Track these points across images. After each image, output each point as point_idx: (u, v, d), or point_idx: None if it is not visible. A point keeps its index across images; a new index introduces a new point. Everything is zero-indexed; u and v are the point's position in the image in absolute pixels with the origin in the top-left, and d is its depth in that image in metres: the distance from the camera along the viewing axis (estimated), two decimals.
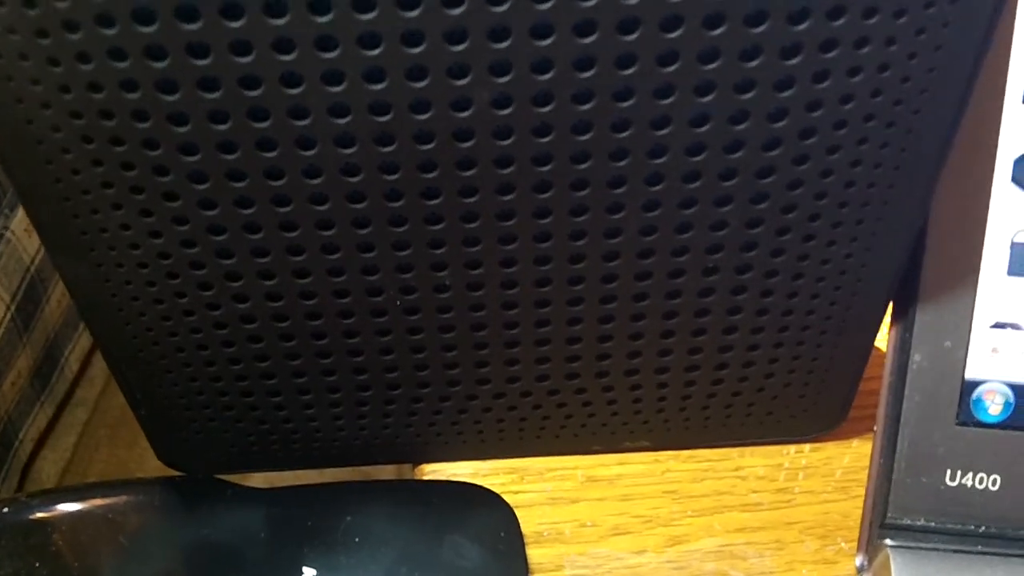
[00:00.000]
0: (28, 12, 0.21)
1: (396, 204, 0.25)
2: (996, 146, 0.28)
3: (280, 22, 0.21)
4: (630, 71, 0.22)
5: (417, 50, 0.22)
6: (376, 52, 0.22)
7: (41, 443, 0.96)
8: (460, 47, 0.22)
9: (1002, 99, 0.28)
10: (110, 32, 0.21)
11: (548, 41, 0.22)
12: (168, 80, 0.22)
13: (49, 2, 0.21)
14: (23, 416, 0.92)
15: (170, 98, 0.23)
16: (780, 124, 0.24)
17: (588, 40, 0.22)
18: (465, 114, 0.23)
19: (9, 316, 0.91)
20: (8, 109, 0.23)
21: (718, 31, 0.22)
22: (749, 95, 0.23)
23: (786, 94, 0.23)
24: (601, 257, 0.27)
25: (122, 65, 0.22)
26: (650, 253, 0.27)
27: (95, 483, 0.36)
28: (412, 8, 0.21)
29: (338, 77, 0.22)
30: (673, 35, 0.22)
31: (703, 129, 0.24)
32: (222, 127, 0.23)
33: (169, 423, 0.33)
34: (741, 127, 0.24)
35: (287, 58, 0.22)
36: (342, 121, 0.23)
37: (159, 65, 0.22)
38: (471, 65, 0.22)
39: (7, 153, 0.24)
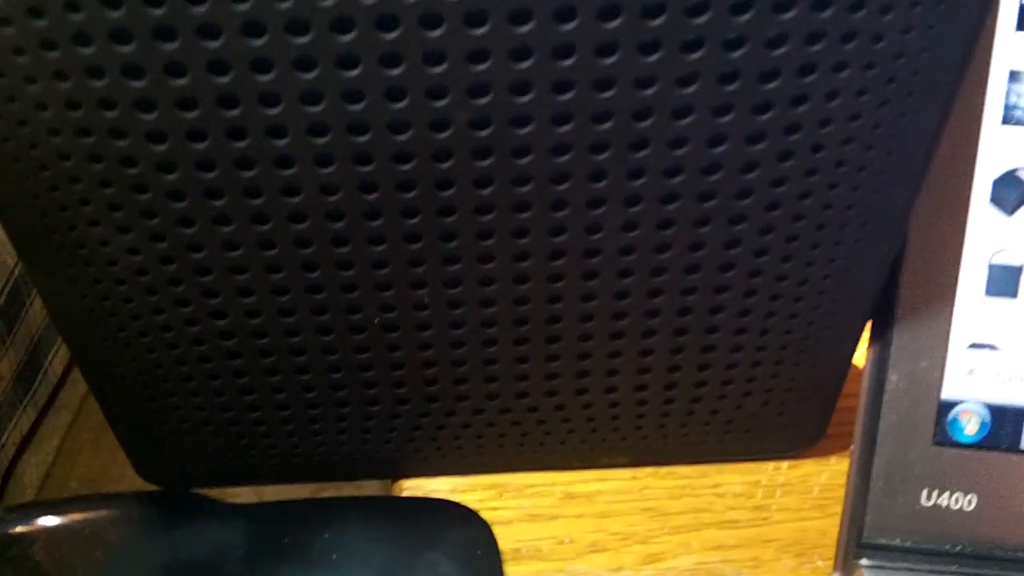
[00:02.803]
0: (5, 31, 0.21)
1: (375, 223, 0.25)
2: (974, 166, 0.29)
3: (259, 42, 0.21)
4: (611, 60, 0.22)
5: (396, 72, 0.22)
6: (355, 73, 0.22)
7: (24, 446, 0.96)
8: (439, 68, 0.22)
9: (980, 119, 0.28)
10: (88, 51, 0.21)
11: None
12: (146, 99, 0.22)
13: (26, 21, 0.21)
14: (5, 419, 0.92)
15: (148, 116, 0.23)
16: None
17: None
18: (444, 134, 0.23)
19: None
20: None
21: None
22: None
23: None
24: (580, 276, 0.27)
25: (100, 83, 0.22)
26: (628, 273, 0.27)
27: (74, 497, 0.36)
28: (391, 30, 0.21)
29: (317, 96, 0.22)
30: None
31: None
32: (200, 145, 0.23)
33: (147, 437, 0.33)
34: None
35: (265, 78, 0.22)
36: (321, 140, 0.23)
37: (137, 84, 0.22)
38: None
39: None
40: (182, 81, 0.22)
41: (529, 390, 0.31)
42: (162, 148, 0.23)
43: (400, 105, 0.23)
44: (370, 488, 0.36)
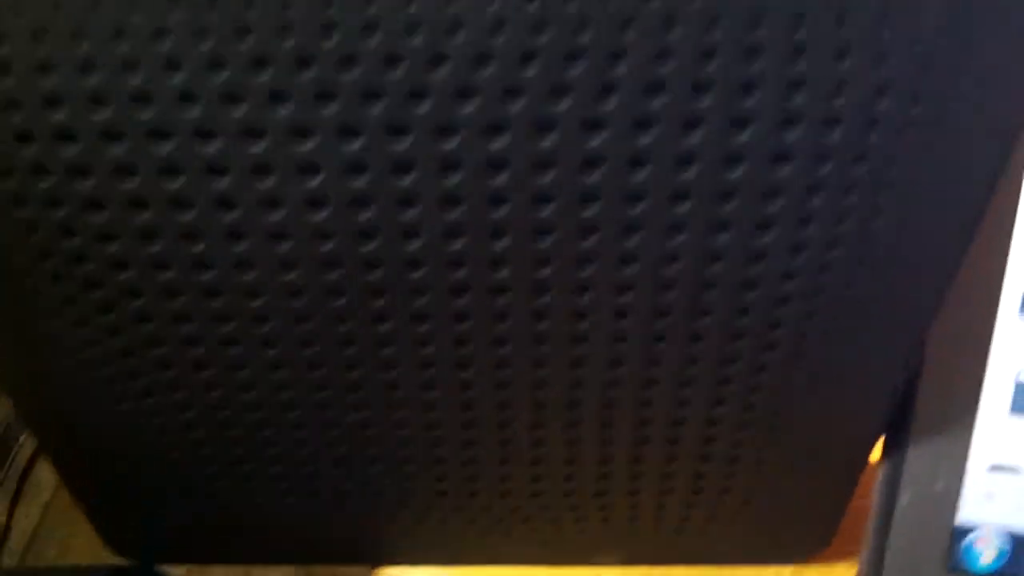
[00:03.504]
0: None
1: (343, 327, 0.24)
2: (1003, 275, 0.26)
3: (211, 149, 0.20)
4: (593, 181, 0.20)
5: (362, 181, 0.20)
6: (316, 181, 0.20)
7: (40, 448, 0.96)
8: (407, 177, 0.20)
9: (1012, 227, 0.26)
10: (31, 150, 0.20)
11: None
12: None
13: None
14: (22, 422, 0.91)
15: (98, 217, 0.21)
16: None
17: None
18: (415, 244, 0.22)
19: None
20: None
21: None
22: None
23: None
24: (567, 385, 0.25)
25: (45, 184, 0.20)
26: (617, 383, 0.25)
27: (40, 569, 0.34)
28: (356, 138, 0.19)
29: (278, 201, 0.21)
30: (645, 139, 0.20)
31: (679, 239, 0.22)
32: (154, 248, 0.22)
33: (114, 513, 0.31)
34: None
35: (222, 183, 0.20)
36: (284, 247, 0.22)
37: (86, 183, 0.20)
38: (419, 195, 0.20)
39: None
40: (131, 184, 0.20)
41: (513, 490, 0.29)
42: (113, 248, 0.22)
43: (367, 215, 0.21)
44: (352, 574, 0.34)
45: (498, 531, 0.31)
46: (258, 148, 0.20)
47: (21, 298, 0.23)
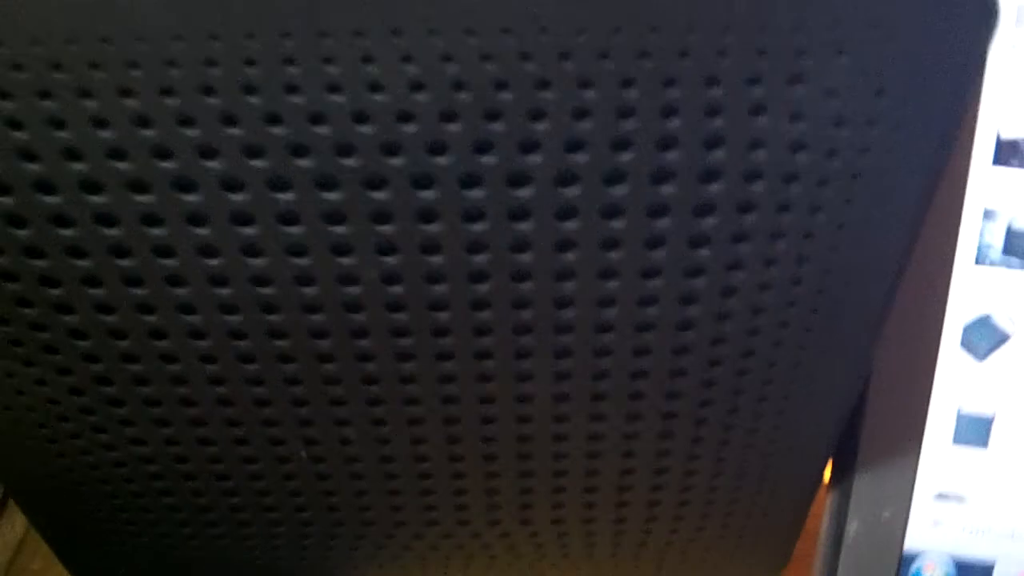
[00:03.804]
0: None
1: (289, 366, 0.24)
2: (945, 308, 0.27)
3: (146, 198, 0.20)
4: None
5: (295, 230, 0.21)
6: (252, 230, 0.21)
7: None
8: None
9: (952, 259, 0.26)
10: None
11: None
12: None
13: None
14: None
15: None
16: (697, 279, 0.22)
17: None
18: (354, 288, 0.22)
19: None
20: None
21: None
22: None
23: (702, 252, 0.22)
24: (514, 420, 0.26)
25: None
26: (565, 418, 0.26)
27: None
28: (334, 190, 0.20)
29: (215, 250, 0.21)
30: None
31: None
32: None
33: (76, 543, 0.32)
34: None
35: (157, 230, 0.21)
36: (226, 291, 0.22)
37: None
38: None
39: None
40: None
41: (471, 519, 0.30)
42: (57, 292, 0.22)
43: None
44: None
45: (459, 557, 0.32)
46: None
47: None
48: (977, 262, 0.26)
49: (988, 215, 0.26)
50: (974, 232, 0.26)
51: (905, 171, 0.20)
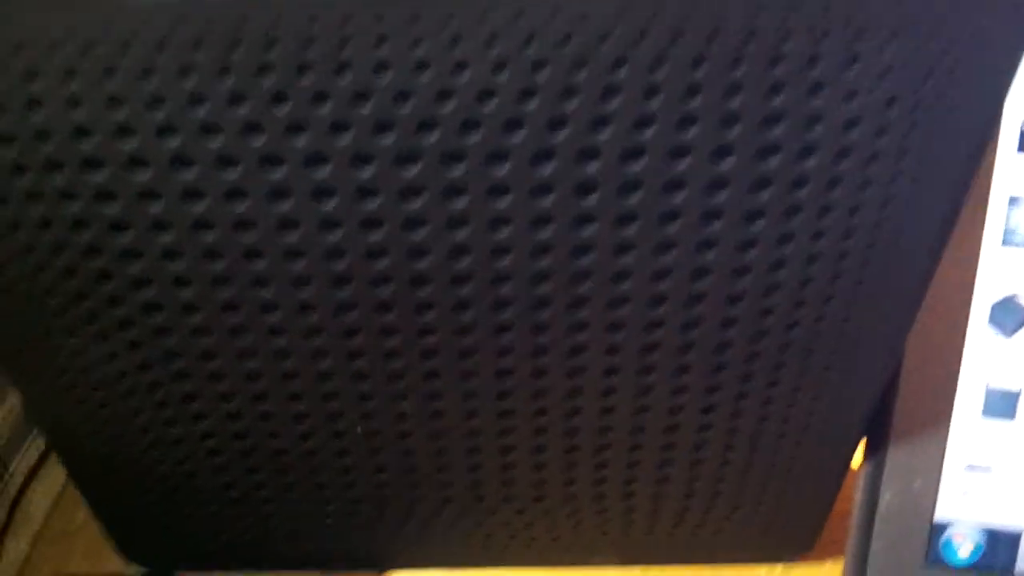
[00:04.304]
0: None
1: (354, 340, 0.25)
2: (973, 288, 0.28)
3: (233, 174, 0.21)
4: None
5: (371, 204, 0.22)
6: (331, 204, 0.22)
7: (31, 477, 0.96)
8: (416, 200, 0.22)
9: (980, 242, 0.28)
10: (60, 177, 0.21)
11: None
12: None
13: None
14: (14, 449, 0.92)
15: (123, 237, 0.22)
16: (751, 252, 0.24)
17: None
18: (422, 263, 0.23)
19: None
20: None
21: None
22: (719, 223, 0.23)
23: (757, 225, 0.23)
24: (565, 394, 0.27)
25: (74, 206, 0.22)
26: (613, 391, 0.27)
27: None
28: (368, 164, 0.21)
29: (294, 223, 0.22)
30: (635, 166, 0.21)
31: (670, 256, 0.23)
32: (177, 265, 0.23)
33: (132, 522, 0.32)
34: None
35: (242, 205, 0.22)
36: (297, 265, 0.23)
37: (110, 208, 0.22)
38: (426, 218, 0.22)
39: None
40: (157, 207, 0.22)
41: (516, 495, 0.31)
42: (138, 266, 0.23)
43: (378, 234, 0.22)
44: None
45: (503, 534, 0.33)
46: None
47: (45, 317, 0.25)
48: (1004, 244, 0.28)
49: (1013, 201, 0.27)
50: (1000, 216, 0.27)
51: (950, 150, 0.22)
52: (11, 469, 0.80)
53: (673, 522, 0.32)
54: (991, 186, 0.27)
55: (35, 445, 0.93)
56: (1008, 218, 0.27)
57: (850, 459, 0.30)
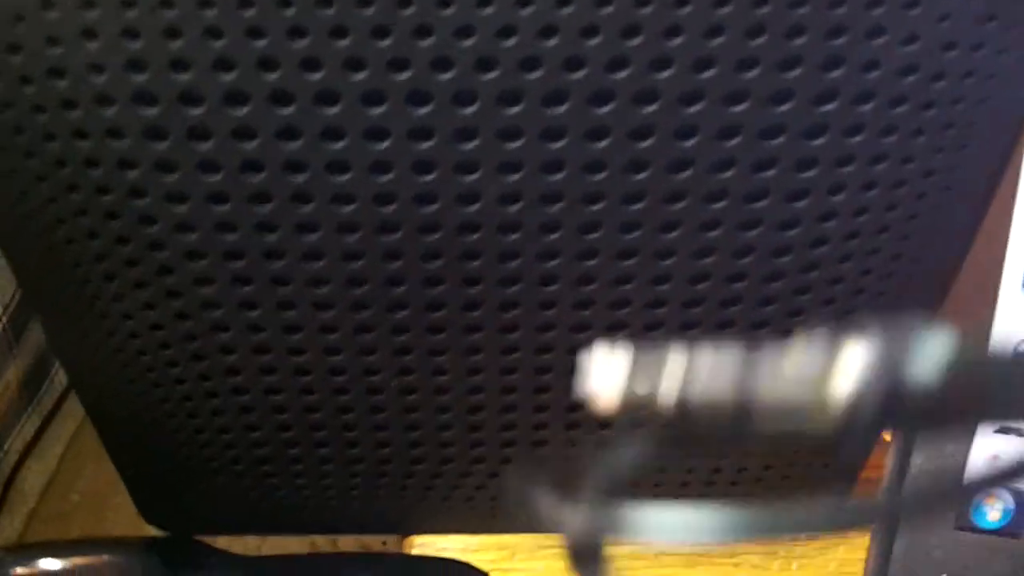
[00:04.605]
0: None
1: (397, 289, 0.25)
2: (1005, 248, 0.28)
3: (287, 111, 0.21)
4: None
5: (426, 145, 0.22)
6: (384, 145, 0.22)
7: (27, 454, 0.95)
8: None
9: (1014, 200, 0.28)
10: (110, 112, 0.21)
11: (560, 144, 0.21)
12: (167, 160, 0.22)
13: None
14: (10, 426, 0.91)
15: (168, 177, 0.22)
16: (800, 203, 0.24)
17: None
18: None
19: (0, 327, 0.90)
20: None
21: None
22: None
23: (808, 174, 0.23)
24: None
25: (121, 143, 0.22)
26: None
27: (75, 541, 0.35)
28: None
29: (344, 166, 0.22)
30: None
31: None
32: (222, 208, 0.23)
33: (156, 485, 0.32)
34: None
35: (293, 145, 0.21)
36: (346, 208, 0.23)
37: (159, 145, 0.21)
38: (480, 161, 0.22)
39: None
40: (205, 145, 0.22)
41: (547, 460, 0.31)
42: (182, 209, 0.23)
43: (429, 177, 0.22)
44: (379, 546, 0.35)
45: None
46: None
47: (81, 262, 0.24)
48: None
49: None
50: None
51: (1004, 97, 0.22)
52: (5, 447, 0.80)
53: (704, 483, 0.32)
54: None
55: (31, 422, 0.92)
56: None
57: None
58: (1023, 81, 0.21)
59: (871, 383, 0.10)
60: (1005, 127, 0.23)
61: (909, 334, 0.10)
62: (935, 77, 0.21)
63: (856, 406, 0.10)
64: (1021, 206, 0.28)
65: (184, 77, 0.20)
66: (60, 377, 1.04)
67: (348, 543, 0.36)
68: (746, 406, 0.10)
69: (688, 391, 0.10)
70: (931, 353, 0.10)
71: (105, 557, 0.33)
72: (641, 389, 0.10)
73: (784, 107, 0.21)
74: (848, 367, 0.10)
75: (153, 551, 0.33)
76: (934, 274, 0.25)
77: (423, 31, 0.20)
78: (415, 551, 0.33)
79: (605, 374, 0.10)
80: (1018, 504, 0.29)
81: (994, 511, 0.29)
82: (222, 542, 0.34)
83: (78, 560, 0.32)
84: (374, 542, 0.35)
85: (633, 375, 0.10)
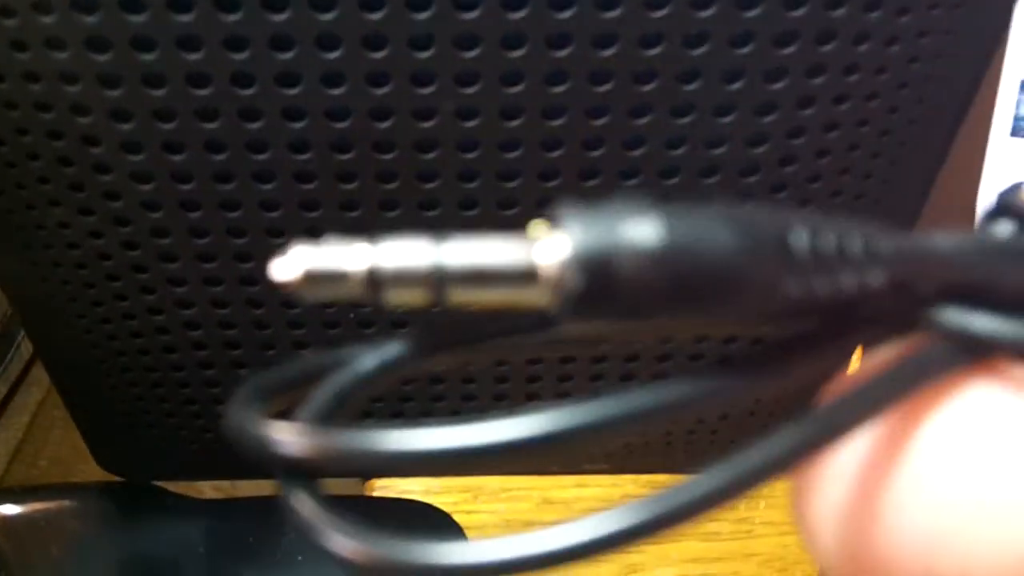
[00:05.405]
0: None
1: (352, 214, 0.24)
2: (980, 178, 0.27)
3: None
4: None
5: (380, 55, 0.21)
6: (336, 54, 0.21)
7: None
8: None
9: (988, 130, 0.27)
10: (49, 19, 0.20)
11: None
12: (110, 75, 0.21)
13: None
14: None
15: (112, 93, 0.21)
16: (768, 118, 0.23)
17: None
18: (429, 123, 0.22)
19: None
20: None
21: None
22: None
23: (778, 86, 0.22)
24: None
25: (62, 55, 0.21)
26: None
27: (34, 487, 0.35)
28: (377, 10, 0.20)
29: (294, 78, 0.21)
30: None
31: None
32: (168, 125, 0.22)
33: (109, 427, 0.31)
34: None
35: (240, 56, 0.21)
36: (296, 125, 0.22)
37: (101, 58, 0.20)
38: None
39: None
40: (149, 56, 0.21)
41: (508, 392, 0.30)
42: (127, 127, 0.22)
43: (382, 91, 0.21)
44: (343, 486, 0.34)
45: None
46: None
47: (25, 184, 0.23)
48: (1012, 134, 0.27)
49: None
50: (1010, 105, 0.27)
51: (969, 30, 0.21)
52: None
53: (666, 435, 0.32)
54: (1001, 76, 0.27)
55: None
56: (1018, 105, 0.27)
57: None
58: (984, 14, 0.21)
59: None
60: (979, 47, 0.23)
61: (615, 219, 0.09)
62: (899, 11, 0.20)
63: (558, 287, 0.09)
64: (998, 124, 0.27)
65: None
66: (26, 345, 1.03)
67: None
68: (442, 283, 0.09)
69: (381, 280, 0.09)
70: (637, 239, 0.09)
71: (63, 503, 0.32)
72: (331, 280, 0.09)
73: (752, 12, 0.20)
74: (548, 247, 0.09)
75: (111, 496, 0.32)
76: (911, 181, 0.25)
77: None
78: (376, 493, 0.33)
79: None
80: None
81: None
82: (189, 488, 0.33)
83: (37, 505, 0.31)
84: (334, 484, 0.34)
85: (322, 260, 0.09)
